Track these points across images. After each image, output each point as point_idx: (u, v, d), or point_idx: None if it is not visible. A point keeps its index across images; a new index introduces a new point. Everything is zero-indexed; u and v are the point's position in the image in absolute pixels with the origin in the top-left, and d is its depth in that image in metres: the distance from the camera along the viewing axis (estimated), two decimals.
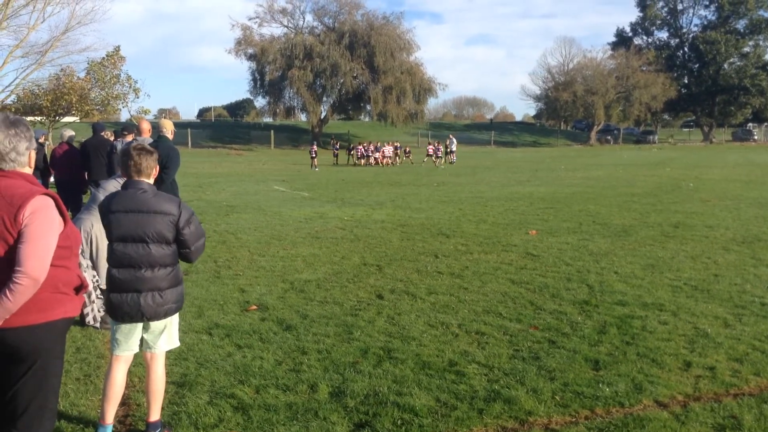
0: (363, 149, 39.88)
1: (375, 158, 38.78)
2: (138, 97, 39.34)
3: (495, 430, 4.13)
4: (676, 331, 6.02)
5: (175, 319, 4.06)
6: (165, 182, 7.79)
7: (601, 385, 4.73)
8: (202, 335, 5.89)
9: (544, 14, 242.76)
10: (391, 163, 39.20)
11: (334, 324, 6.23)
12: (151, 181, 3.96)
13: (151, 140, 8.06)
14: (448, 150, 40.28)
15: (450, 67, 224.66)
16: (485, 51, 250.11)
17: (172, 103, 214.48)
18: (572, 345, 5.62)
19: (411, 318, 6.45)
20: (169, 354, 4.76)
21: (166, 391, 4.33)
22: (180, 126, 58.53)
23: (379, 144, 40.79)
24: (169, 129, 8.15)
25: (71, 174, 11.20)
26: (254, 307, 6.81)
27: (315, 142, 40.74)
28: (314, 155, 35.95)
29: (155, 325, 3.95)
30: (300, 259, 9.35)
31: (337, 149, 40.79)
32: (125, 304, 3.80)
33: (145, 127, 8.25)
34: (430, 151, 39.52)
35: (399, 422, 4.20)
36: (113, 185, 5.67)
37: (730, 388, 4.71)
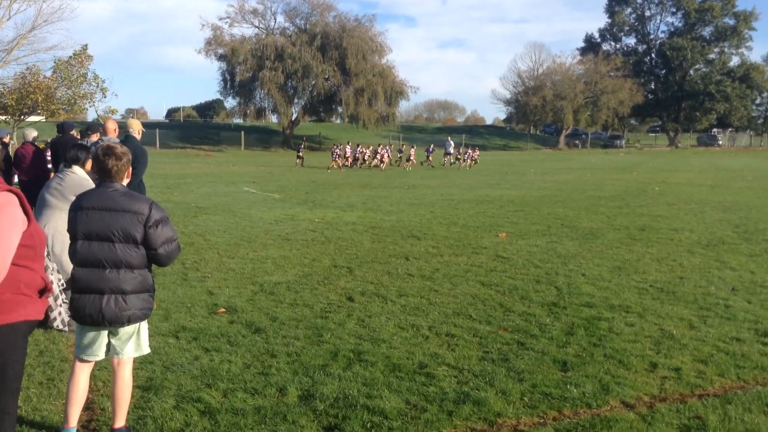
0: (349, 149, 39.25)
1: (359, 159, 38.31)
2: (105, 97, 38.81)
3: (464, 431, 4.13)
4: (642, 332, 6.09)
5: (144, 326, 3.98)
6: (132, 183, 7.64)
7: (568, 387, 4.77)
8: (168, 338, 5.81)
9: (517, 19, 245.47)
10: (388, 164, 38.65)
11: (304, 326, 6.19)
12: (125, 182, 3.89)
13: (117, 140, 7.93)
14: (446, 152, 40.89)
15: (422, 70, 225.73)
16: (457, 54, 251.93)
17: (141, 103, 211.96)
18: (541, 346, 5.67)
19: (381, 320, 6.44)
20: (136, 357, 4.67)
21: (131, 396, 4.25)
22: (148, 126, 57.60)
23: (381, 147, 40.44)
24: (136, 129, 8.02)
25: (35, 174, 10.98)
26: (222, 309, 6.74)
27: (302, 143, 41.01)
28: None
29: (123, 330, 3.85)
30: (270, 261, 9.28)
31: (301, 150, 40.25)
32: (87, 305, 3.71)
33: (111, 126, 8.12)
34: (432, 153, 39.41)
35: (369, 425, 4.18)
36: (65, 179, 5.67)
37: (695, 388, 4.78)
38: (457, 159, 39.48)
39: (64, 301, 4.97)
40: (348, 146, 38.56)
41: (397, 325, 6.28)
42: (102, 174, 3.81)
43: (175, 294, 7.33)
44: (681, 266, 9.14)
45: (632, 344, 5.75)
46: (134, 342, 3.92)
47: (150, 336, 5.59)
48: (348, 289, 7.67)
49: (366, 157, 38.90)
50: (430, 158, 39.91)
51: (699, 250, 10.42)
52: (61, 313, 5.46)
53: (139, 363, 5.04)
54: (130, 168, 3.94)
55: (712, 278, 8.38)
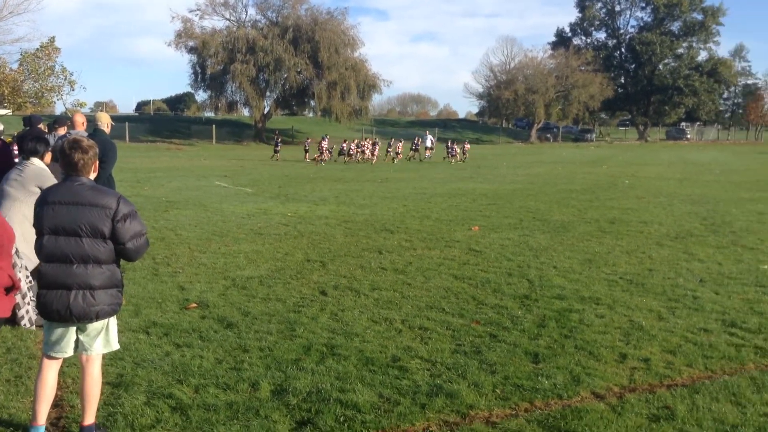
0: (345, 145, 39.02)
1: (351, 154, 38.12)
2: (73, 90, 38.10)
3: (437, 424, 4.15)
4: (612, 324, 6.17)
5: (112, 321, 3.92)
6: (101, 177, 7.55)
7: (540, 378, 4.81)
8: (139, 334, 5.74)
9: (489, 13, 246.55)
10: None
11: (277, 321, 6.17)
12: (92, 176, 3.82)
13: (85, 134, 7.80)
14: (425, 147, 40.79)
15: (395, 64, 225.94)
16: (430, 48, 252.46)
17: (110, 96, 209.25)
18: (513, 339, 5.71)
19: (354, 314, 6.44)
20: (105, 354, 4.61)
21: (101, 392, 4.20)
22: (117, 119, 56.69)
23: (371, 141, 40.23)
24: (105, 122, 7.91)
25: (1, 168, 10.74)
26: (194, 304, 6.68)
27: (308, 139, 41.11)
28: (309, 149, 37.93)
29: (91, 326, 3.80)
30: (242, 255, 9.22)
31: (279, 145, 40.01)
32: (54, 301, 3.64)
33: (79, 120, 7.97)
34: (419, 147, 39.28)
35: (342, 419, 4.18)
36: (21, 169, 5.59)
37: (664, 379, 4.86)
38: (448, 153, 39.41)
39: (32, 299, 4.89)
40: (325, 140, 38.37)
41: (370, 319, 6.28)
42: (68, 168, 3.74)
43: (145, 289, 7.25)
44: (650, 258, 9.27)
45: (602, 336, 5.82)
46: (103, 338, 3.87)
47: (120, 332, 5.53)
48: (321, 283, 7.65)
49: (358, 151, 38.49)
50: (419, 152, 39.86)
51: (668, 242, 10.58)
52: (29, 312, 5.36)
53: (109, 359, 4.98)
54: (97, 162, 3.87)
55: (680, 270, 8.52)
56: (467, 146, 40.92)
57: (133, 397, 4.45)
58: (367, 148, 38.03)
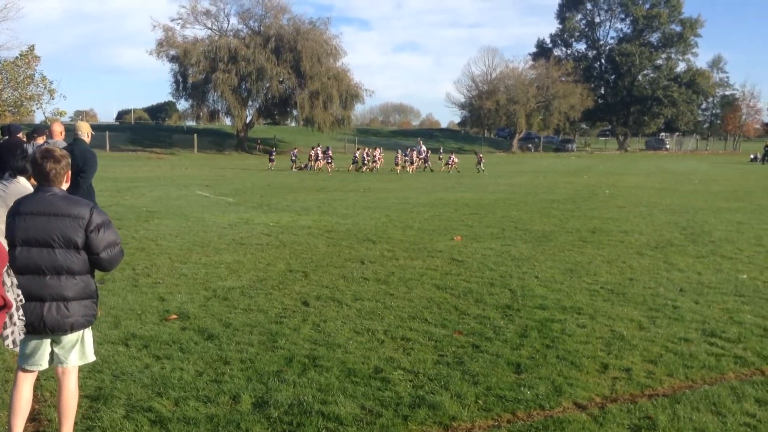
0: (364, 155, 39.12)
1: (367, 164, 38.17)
2: (53, 99, 37.93)
3: None
4: (593, 333, 6.20)
5: (88, 333, 3.87)
6: (81, 187, 7.49)
7: (522, 389, 4.81)
8: (118, 346, 5.67)
9: (471, 24, 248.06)
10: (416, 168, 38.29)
11: (258, 332, 6.12)
12: (64, 186, 3.77)
13: (64, 143, 7.73)
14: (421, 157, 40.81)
15: (378, 74, 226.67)
16: (412, 58, 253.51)
17: (90, 105, 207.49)
18: (495, 349, 5.71)
19: (337, 325, 6.41)
20: (83, 366, 4.54)
21: (79, 406, 4.14)
22: (98, 128, 56.40)
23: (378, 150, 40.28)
24: (85, 131, 7.84)
25: None
26: (174, 316, 6.61)
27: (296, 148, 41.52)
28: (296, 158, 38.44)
29: (66, 338, 3.74)
30: (223, 266, 9.16)
31: (273, 154, 40.19)
32: (28, 313, 3.58)
33: (57, 129, 7.90)
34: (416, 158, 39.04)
35: (324, 431, 4.14)
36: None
37: (645, 389, 4.88)
38: (440, 160, 39.41)
39: (21, 318, 4.79)
40: (318, 148, 38.67)
41: (352, 330, 6.26)
42: (40, 178, 3.69)
43: (125, 300, 7.17)
44: (631, 268, 9.33)
45: (584, 345, 5.84)
46: (78, 350, 3.82)
47: (99, 344, 5.47)
48: (303, 294, 7.61)
49: (369, 160, 38.59)
50: (429, 162, 39.86)
51: (648, 251, 10.66)
52: (14, 332, 5.26)
53: (88, 372, 4.92)
54: (70, 171, 3.82)
55: (660, 279, 8.58)
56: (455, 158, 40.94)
57: (112, 411, 4.39)
58: (378, 157, 38.30)
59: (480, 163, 38.31)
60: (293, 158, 38.79)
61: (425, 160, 39.51)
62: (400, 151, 38.72)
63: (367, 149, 39.93)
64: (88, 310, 3.73)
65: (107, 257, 3.71)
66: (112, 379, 4.94)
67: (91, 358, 3.94)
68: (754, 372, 5.24)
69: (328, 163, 37.14)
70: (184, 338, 5.90)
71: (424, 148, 42.12)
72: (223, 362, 5.32)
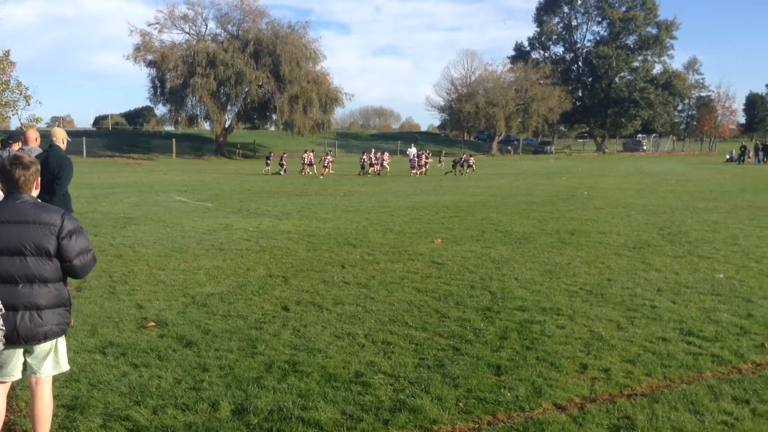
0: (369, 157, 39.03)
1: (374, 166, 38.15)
2: (29, 105, 37.49)
3: None
4: (572, 334, 6.23)
5: (61, 342, 3.81)
6: (57, 194, 7.40)
7: (502, 390, 4.82)
8: (95, 355, 5.60)
9: (449, 27, 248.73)
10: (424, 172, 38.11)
11: (238, 338, 6.07)
12: (34, 193, 3.71)
13: (39, 150, 7.63)
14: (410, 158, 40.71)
15: (357, 77, 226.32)
16: (392, 62, 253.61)
17: (67, 110, 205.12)
18: (475, 351, 5.72)
19: (317, 330, 6.38)
20: (59, 376, 4.48)
21: (55, 415, 4.08)
22: (74, 134, 55.91)
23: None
24: (61, 137, 7.76)
25: None
26: (152, 323, 6.54)
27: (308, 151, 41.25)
28: (305, 162, 38.44)
29: (39, 348, 3.68)
30: (202, 272, 9.09)
31: (270, 158, 40.21)
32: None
33: (32, 135, 7.80)
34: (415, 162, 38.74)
35: None
36: None
37: (624, 388, 4.91)
38: (441, 164, 39.42)
39: (1, 327, 4.70)
40: (311, 153, 38.87)
41: (332, 334, 6.23)
42: (9, 185, 3.62)
43: (102, 308, 7.08)
44: (609, 268, 9.40)
45: (563, 346, 5.86)
46: (52, 359, 3.76)
47: (76, 352, 5.41)
48: (283, 299, 7.58)
49: (376, 163, 38.53)
50: (442, 163, 39.64)
51: (626, 252, 10.75)
52: None
53: (64, 381, 4.85)
54: (39, 178, 3.76)
55: (638, 280, 8.65)
56: (429, 159, 40.96)
57: (88, 420, 4.33)
58: (386, 160, 38.31)
59: (463, 165, 38.42)
60: (281, 162, 38.89)
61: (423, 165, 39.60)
62: (422, 154, 38.90)
63: (374, 152, 39.87)
64: (61, 318, 3.67)
65: (80, 264, 3.66)
66: (89, 388, 4.88)
67: (65, 367, 3.88)
68: (731, 370, 5.29)
69: (324, 166, 37.35)
70: (162, 346, 5.84)
71: (414, 150, 42.21)
72: (202, 369, 5.27)
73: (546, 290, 8.03)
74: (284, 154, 41.62)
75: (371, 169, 37.90)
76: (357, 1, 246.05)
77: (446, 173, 38.35)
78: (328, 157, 38.74)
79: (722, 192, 23.50)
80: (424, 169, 37.51)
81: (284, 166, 38.31)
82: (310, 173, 37.58)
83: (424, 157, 38.22)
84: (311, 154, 39.53)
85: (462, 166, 38.62)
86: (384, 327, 6.48)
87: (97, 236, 12.14)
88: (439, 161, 43.48)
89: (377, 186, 27.90)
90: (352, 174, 37.43)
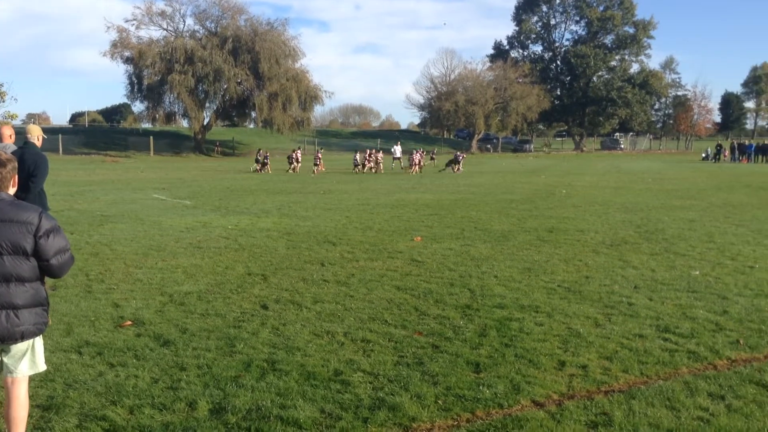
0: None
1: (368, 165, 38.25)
2: (4, 101, 37.06)
3: None
4: (551, 331, 6.26)
5: (38, 342, 3.76)
6: (32, 191, 7.30)
7: (481, 388, 4.83)
8: (70, 354, 5.53)
9: (430, 26, 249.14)
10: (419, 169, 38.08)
11: (216, 337, 6.03)
12: (11, 191, 3.65)
13: (13, 147, 7.52)
14: (395, 157, 40.61)
15: (337, 75, 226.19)
16: (372, 60, 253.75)
17: (43, 107, 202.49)
18: (455, 349, 5.73)
19: (296, 328, 6.36)
20: (34, 376, 4.41)
21: (30, 416, 4.02)
22: (50, 131, 55.21)
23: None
24: (36, 134, 7.65)
25: None
26: (129, 322, 6.48)
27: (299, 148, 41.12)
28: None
29: (15, 347, 3.62)
30: (180, 270, 9.01)
31: (259, 160, 40.04)
32: None
33: (6, 132, 7.67)
34: (416, 159, 38.53)
35: None
36: None
37: (601, 385, 4.94)
38: (433, 161, 39.67)
39: None
40: (299, 152, 38.83)
41: (312, 333, 6.21)
42: None
43: (78, 307, 7.00)
44: (587, 266, 9.47)
45: (542, 343, 5.89)
46: (29, 359, 3.71)
47: (51, 352, 5.33)
48: (262, 297, 7.54)
49: (372, 161, 38.68)
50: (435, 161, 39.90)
51: (603, 250, 10.84)
52: None
53: (39, 381, 4.78)
54: (17, 176, 3.70)
55: (615, 277, 8.73)
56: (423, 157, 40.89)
57: (64, 420, 4.28)
58: (381, 159, 38.44)
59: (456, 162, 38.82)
60: (264, 160, 38.72)
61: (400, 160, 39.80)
62: (415, 152, 39.04)
63: (368, 151, 40.00)
64: (38, 318, 3.62)
65: (57, 263, 3.61)
66: (65, 387, 4.81)
67: (42, 367, 3.83)
68: (706, 367, 5.35)
69: (315, 164, 37.36)
70: (139, 345, 5.78)
71: (399, 148, 42.23)
72: (180, 368, 5.23)
73: (525, 288, 8.07)
74: (267, 152, 41.43)
75: (368, 165, 38.11)
76: None
77: (440, 170, 38.59)
78: (319, 155, 38.73)
79: (698, 190, 23.79)
80: (416, 167, 37.69)
81: (267, 164, 38.10)
82: (306, 171, 37.50)
83: (418, 156, 38.44)
84: (299, 152, 39.39)
85: (454, 164, 39.05)
86: (363, 325, 6.47)
87: (74, 234, 11.99)
88: (431, 158, 43.61)
89: (357, 184, 27.87)
90: (338, 172, 37.34)
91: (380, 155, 39.67)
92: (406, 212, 16.42)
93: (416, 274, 8.88)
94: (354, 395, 4.72)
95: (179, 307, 7.08)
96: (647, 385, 4.95)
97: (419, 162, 38.03)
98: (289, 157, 39.11)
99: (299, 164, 38.00)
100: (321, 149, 40.13)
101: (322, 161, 38.09)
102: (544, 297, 7.61)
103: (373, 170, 38.05)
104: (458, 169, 37.74)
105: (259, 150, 41.07)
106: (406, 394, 4.72)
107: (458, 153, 40.84)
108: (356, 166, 38.27)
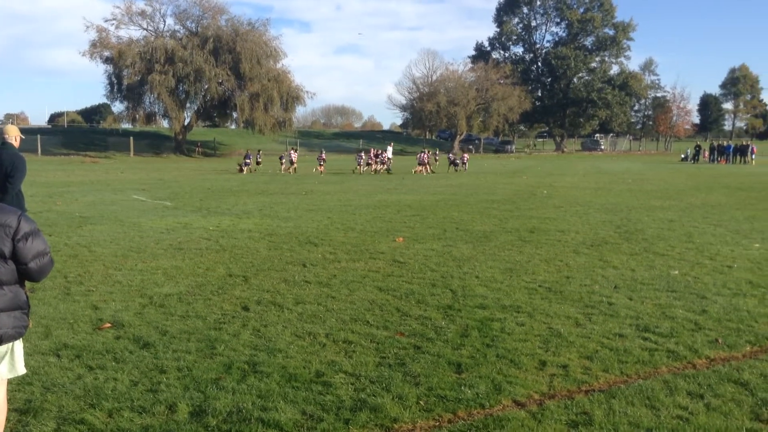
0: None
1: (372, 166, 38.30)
2: None
3: None
4: (532, 331, 6.29)
5: (18, 345, 3.70)
6: (9, 193, 7.21)
7: (463, 388, 4.84)
8: (49, 357, 5.46)
9: (412, 27, 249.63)
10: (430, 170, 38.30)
11: (196, 339, 5.98)
12: None
13: None
14: (386, 158, 40.81)
15: (319, 76, 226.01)
16: (354, 60, 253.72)
17: (21, 107, 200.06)
18: (436, 349, 5.73)
19: (278, 329, 6.33)
20: (12, 379, 4.35)
21: (7, 420, 3.97)
22: (28, 132, 54.46)
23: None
24: (13, 135, 7.54)
25: None
26: (108, 324, 6.41)
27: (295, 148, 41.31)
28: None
29: None
30: (160, 271, 8.94)
31: (260, 157, 39.97)
32: None
33: None
34: (425, 160, 38.64)
35: None
36: None
37: (582, 384, 4.97)
38: (436, 162, 40.10)
39: None
40: (293, 152, 38.79)
41: (293, 334, 6.19)
42: None
43: (56, 310, 6.91)
44: (567, 266, 9.52)
45: (523, 343, 5.92)
46: (8, 362, 3.65)
47: (29, 355, 5.26)
48: (243, 299, 7.49)
49: (377, 161, 38.75)
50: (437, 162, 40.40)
51: (584, 250, 10.91)
52: None
53: (17, 384, 4.72)
54: None
55: (596, 277, 8.79)
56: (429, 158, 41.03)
57: (42, 424, 4.22)
58: (387, 158, 38.56)
59: (456, 163, 39.31)
60: (248, 161, 38.62)
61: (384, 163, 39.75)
62: (423, 152, 39.30)
63: (372, 151, 40.11)
64: (18, 321, 3.56)
65: (36, 267, 3.55)
66: (43, 391, 4.75)
67: (21, 370, 3.77)
68: (686, 366, 5.40)
69: (320, 164, 37.43)
70: (119, 347, 5.73)
71: (391, 149, 42.36)
72: (159, 371, 5.18)
73: (506, 288, 8.10)
74: (251, 151, 41.32)
75: (374, 165, 38.33)
76: None
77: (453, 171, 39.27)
78: (323, 156, 38.71)
79: (677, 191, 24.04)
80: (423, 168, 37.94)
81: (249, 164, 37.98)
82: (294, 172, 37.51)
83: (425, 156, 38.73)
84: (293, 152, 39.38)
85: (455, 164, 39.93)
86: (345, 326, 6.45)
87: (52, 236, 11.85)
88: (435, 159, 43.89)
89: (339, 185, 27.82)
90: (332, 172, 37.28)
91: (386, 154, 39.97)
92: (387, 213, 16.43)
93: (398, 274, 8.88)
94: (336, 396, 4.70)
95: (159, 309, 7.02)
96: (627, 384, 4.98)
97: (428, 162, 38.23)
98: (281, 157, 39.03)
99: (295, 165, 38.00)
100: (323, 150, 40.17)
101: (324, 162, 38.07)
102: (525, 297, 7.64)
103: (377, 171, 38.16)
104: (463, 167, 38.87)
105: (248, 151, 40.92)
106: (387, 395, 4.72)
107: (451, 154, 41.32)
108: (359, 165, 38.44)
